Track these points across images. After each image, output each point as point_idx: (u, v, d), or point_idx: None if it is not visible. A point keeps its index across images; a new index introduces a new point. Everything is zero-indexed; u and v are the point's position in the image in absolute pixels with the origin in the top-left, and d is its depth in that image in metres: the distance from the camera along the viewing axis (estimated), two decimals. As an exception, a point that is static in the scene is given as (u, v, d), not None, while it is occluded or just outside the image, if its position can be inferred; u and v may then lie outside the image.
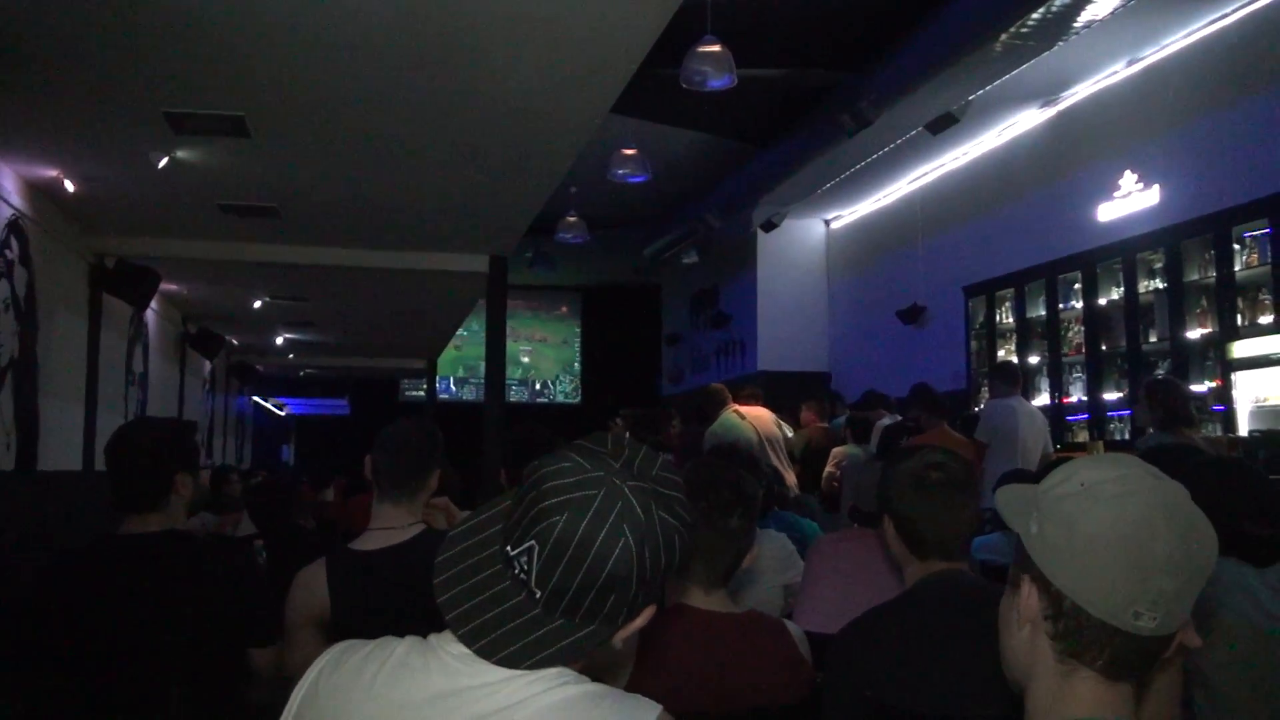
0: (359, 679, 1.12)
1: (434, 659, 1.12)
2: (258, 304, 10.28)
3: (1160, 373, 6.78)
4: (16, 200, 6.00)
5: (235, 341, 13.29)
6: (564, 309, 19.14)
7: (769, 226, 11.38)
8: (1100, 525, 1.08)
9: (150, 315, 9.55)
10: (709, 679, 1.93)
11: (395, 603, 2.40)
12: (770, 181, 9.99)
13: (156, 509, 2.50)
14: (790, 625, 2.11)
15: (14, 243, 6.03)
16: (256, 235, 7.45)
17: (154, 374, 9.84)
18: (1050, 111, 8.59)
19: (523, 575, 1.08)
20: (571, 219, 11.45)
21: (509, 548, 1.10)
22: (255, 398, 17.78)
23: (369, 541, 2.59)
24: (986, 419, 6.40)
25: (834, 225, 12.54)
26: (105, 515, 2.72)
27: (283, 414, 19.24)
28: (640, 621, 1.15)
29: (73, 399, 7.24)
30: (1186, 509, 1.09)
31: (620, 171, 9.51)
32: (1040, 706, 1.14)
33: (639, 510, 1.08)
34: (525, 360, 18.90)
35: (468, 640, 1.09)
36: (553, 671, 1.10)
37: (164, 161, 5.51)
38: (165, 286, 8.45)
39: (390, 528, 2.58)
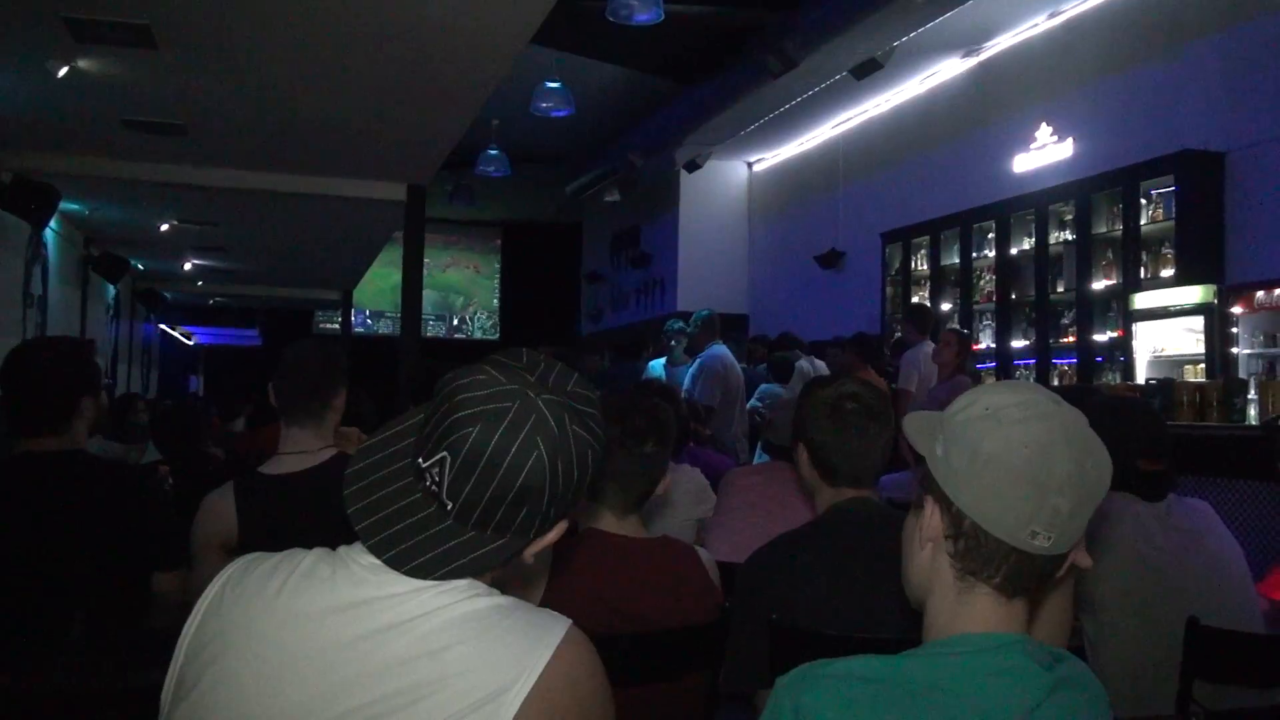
0: (264, 589, 1.11)
1: (342, 569, 1.11)
2: (165, 227, 9.94)
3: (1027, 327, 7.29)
4: (-96, 108, 5.69)
5: (141, 266, 12.85)
6: (484, 243, 18.93)
7: (692, 167, 11.37)
8: (1001, 447, 1.12)
9: (50, 235, 9.17)
10: (619, 601, 1.96)
11: (305, 526, 2.36)
12: (694, 121, 9.95)
13: (57, 431, 2.43)
14: (700, 550, 2.15)
15: (-99, 153, 5.73)
16: (163, 154, 7.18)
17: (54, 297, 9.48)
18: (971, 62, 8.70)
19: (434, 487, 1.08)
20: (493, 152, 11.28)
21: (420, 460, 1.10)
22: (162, 325, 17.28)
23: (278, 465, 2.55)
24: (908, 367, 6.52)
25: (756, 168, 12.57)
26: (2, 439, 2.63)
27: (191, 343, 18.76)
28: (553, 536, 1.15)
29: (-34, 320, 6.96)
30: (1084, 433, 1.14)
31: (544, 105, 9.38)
32: (938, 622, 1.18)
33: (552, 423, 1.08)
34: (450, 278, 18.71)
35: (378, 550, 1.08)
36: (463, 584, 1.10)
37: (64, 71, 5.26)
38: (66, 206, 8.11)
39: (301, 451, 2.54)
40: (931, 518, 1.17)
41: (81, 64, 5.28)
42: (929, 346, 6.57)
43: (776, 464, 3.15)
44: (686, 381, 6.96)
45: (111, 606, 2.39)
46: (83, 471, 2.43)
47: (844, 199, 10.57)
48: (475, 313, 19.20)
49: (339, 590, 1.09)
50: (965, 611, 1.15)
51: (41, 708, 2.24)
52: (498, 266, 19.13)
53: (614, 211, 13.92)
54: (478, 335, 19.18)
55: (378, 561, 1.09)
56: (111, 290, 12.50)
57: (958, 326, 7.14)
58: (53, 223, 8.43)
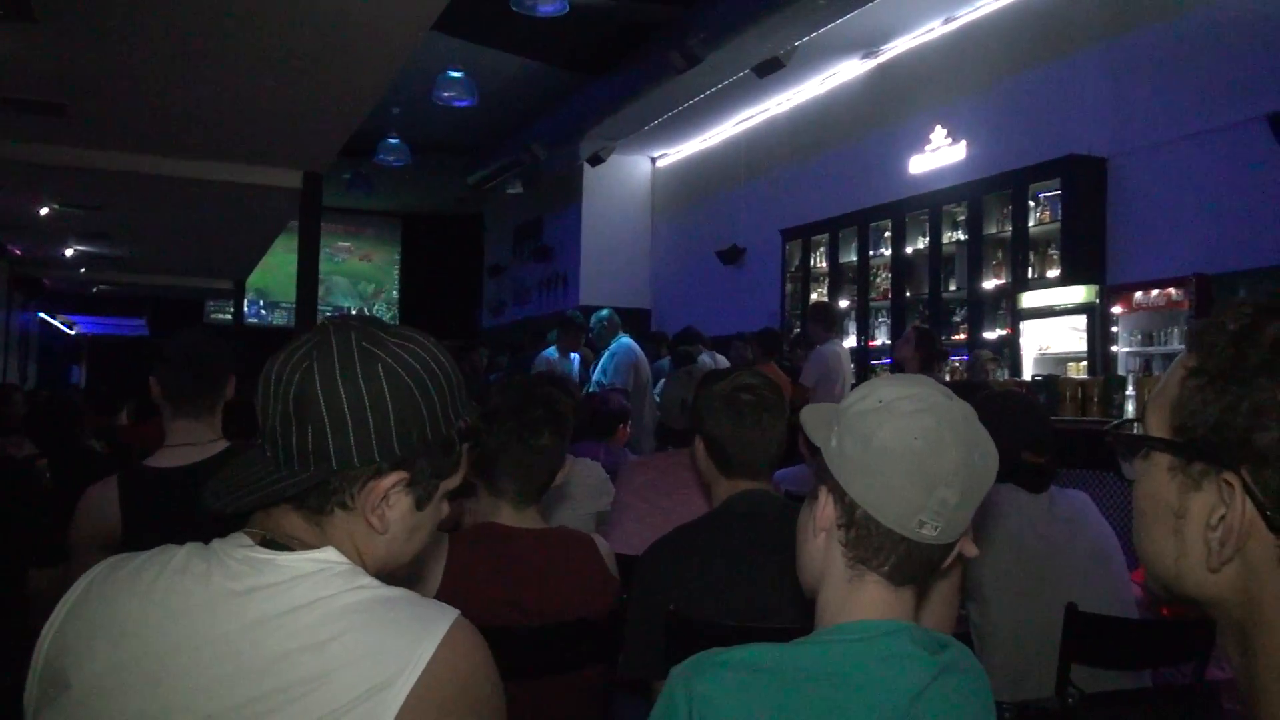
0: (134, 586, 1.06)
1: (216, 563, 1.06)
2: (44, 211, 9.51)
3: (922, 322, 7.42)
4: None
5: (18, 251, 12.29)
6: (383, 233, 18.66)
7: (595, 161, 11.37)
8: (893, 438, 1.14)
9: (-83, 217, 8.71)
10: (516, 593, 1.94)
11: (192, 524, 2.30)
12: (598, 114, 9.96)
13: (-80, 419, 2.31)
14: (599, 540, 2.15)
15: None
16: (41, 134, 6.85)
17: (-78, 282, 9.02)
18: (871, 63, 8.88)
19: (263, 444, 1.10)
20: (392, 141, 11.10)
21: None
22: (41, 314, 16.57)
23: (166, 458, 2.46)
24: (815, 365, 6.61)
25: (660, 163, 12.63)
26: None
27: (73, 332, 18.03)
28: (388, 483, 1.11)
29: None
30: (972, 426, 1.17)
31: (446, 95, 9.28)
32: (829, 610, 1.20)
33: (333, 339, 1.09)
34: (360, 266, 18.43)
35: (210, 503, 1.08)
36: (345, 571, 1.07)
37: (-66, 44, 5.00)
38: (-65, 186, 7.72)
39: (189, 444, 2.46)
40: (825, 507, 1.19)
41: (-48, 36, 5.02)
42: (837, 344, 6.70)
43: (672, 453, 3.17)
44: (596, 372, 7.05)
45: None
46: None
47: (746, 196, 10.70)
48: (376, 304, 18.90)
49: (214, 583, 1.05)
50: (855, 599, 1.17)
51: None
52: (398, 257, 18.84)
53: (517, 204, 13.84)
54: (375, 327, 18.86)
55: (251, 553, 1.06)
56: (-14, 276, 11.95)
57: (923, 325, 7.20)
58: (-79, 203, 8.01)
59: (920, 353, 5.90)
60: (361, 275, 18.64)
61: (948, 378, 7.36)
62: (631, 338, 7.45)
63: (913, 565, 1.16)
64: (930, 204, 7.77)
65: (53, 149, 7.11)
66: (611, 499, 3.39)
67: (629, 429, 4.56)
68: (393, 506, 1.13)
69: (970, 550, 1.21)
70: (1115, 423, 4.36)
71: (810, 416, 1.26)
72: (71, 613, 1.08)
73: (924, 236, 7.92)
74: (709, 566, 1.95)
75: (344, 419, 1.06)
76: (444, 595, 1.87)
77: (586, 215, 12.54)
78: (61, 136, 6.90)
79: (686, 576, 1.95)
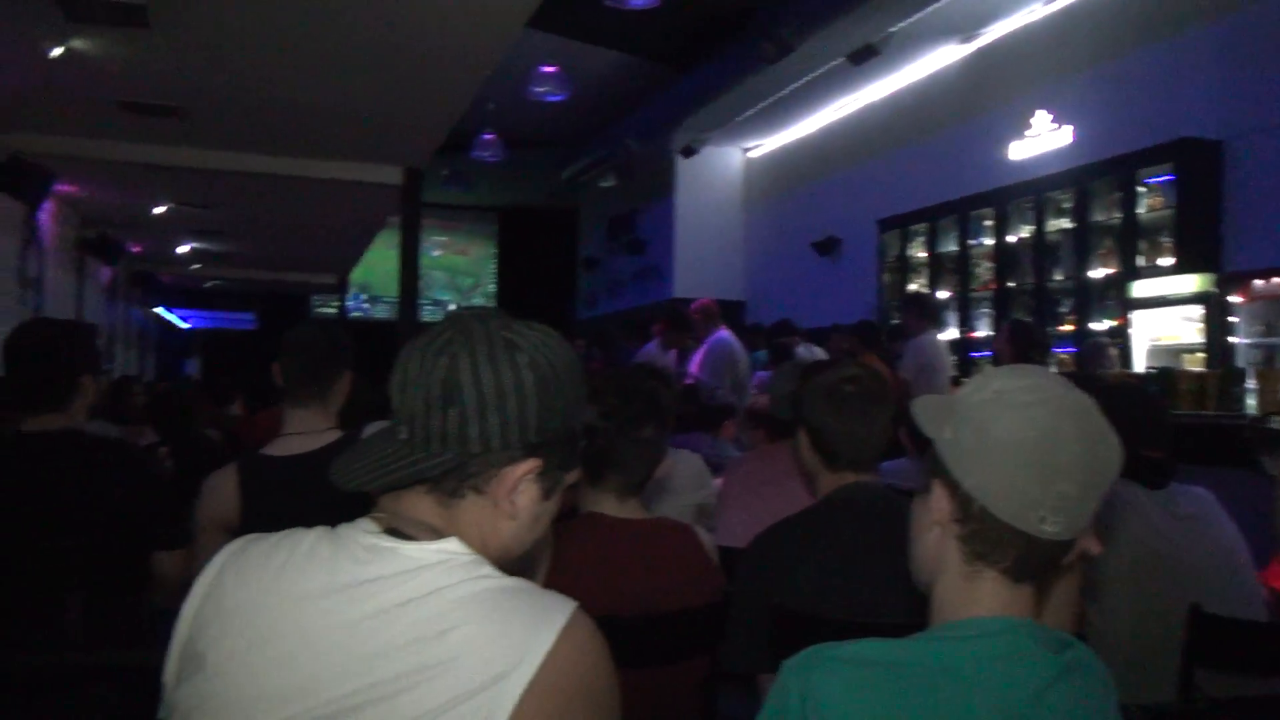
0: (265, 568, 1.10)
1: (343, 549, 1.10)
2: (160, 210, 9.90)
3: (1024, 314, 7.25)
4: (-103, 87, 5.65)
5: (136, 249, 12.81)
6: (480, 228, 18.94)
7: (688, 152, 11.35)
8: (1010, 430, 1.11)
9: (44, 217, 9.13)
10: (619, 583, 1.95)
11: (306, 509, 2.36)
12: (690, 106, 9.94)
13: (58, 409, 2.43)
14: (700, 531, 2.15)
15: (-104, 132, 5.70)
16: (158, 136, 7.14)
17: (49, 279, 9.44)
18: (969, 48, 8.68)
19: (398, 427, 1.13)
20: (488, 136, 11.25)
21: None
22: (158, 309, 17.24)
23: (281, 447, 2.54)
24: (913, 356, 6.51)
25: (752, 154, 12.55)
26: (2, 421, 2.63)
27: (186, 327, 18.72)
28: (524, 469, 1.13)
29: (-40, 301, 6.93)
30: (1094, 418, 1.14)
31: (539, 89, 9.37)
32: (946, 606, 1.18)
33: (475, 327, 1.12)
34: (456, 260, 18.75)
35: (342, 481, 1.12)
36: (467, 561, 1.09)
37: (58, 51, 5.22)
38: (61, 188, 8.08)
39: (303, 433, 2.54)
40: (939, 501, 1.17)
41: (76, 44, 5.25)
42: (935, 336, 6.57)
43: (777, 447, 3.14)
44: (693, 368, 7.01)
45: (111, 585, 2.39)
46: (84, 450, 2.43)
47: (841, 186, 10.56)
48: (473, 298, 19.19)
49: (340, 570, 1.08)
50: (973, 595, 1.15)
51: (40, 684, 2.24)
52: (494, 251, 19.10)
53: (610, 197, 13.90)
54: (473, 320, 19.15)
55: (377, 541, 1.09)
56: (107, 273, 12.46)
57: (1022, 318, 7.08)
58: (48, 204, 8.39)
59: (1013, 346, 5.77)
60: (459, 269, 18.95)
61: (1054, 370, 7.19)
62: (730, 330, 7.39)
63: (1033, 562, 1.13)
64: (1034, 191, 7.56)
65: (169, 150, 7.39)
66: (713, 491, 3.40)
67: (734, 425, 4.54)
68: (522, 494, 1.15)
69: (1094, 547, 1.18)
70: (1254, 417, 4.22)
71: (923, 408, 1.24)
72: (208, 593, 1.12)
73: (1027, 225, 7.72)
74: (813, 560, 1.94)
75: (487, 404, 1.10)
76: (549, 583, 1.89)
77: (680, 207, 12.52)
78: (177, 138, 7.17)
79: (790, 569, 1.94)
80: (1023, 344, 5.69)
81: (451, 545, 1.10)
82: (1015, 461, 1.11)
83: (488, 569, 1.10)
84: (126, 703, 2.26)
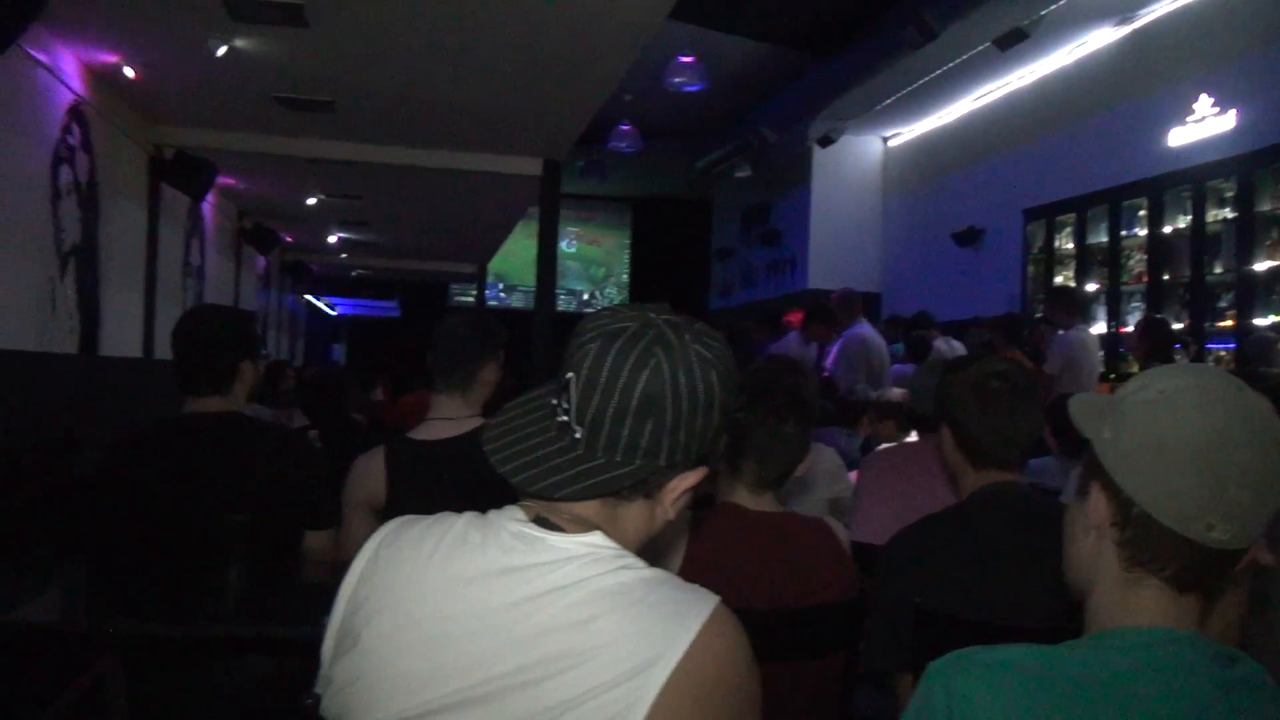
0: (418, 551, 1.14)
1: (492, 536, 1.12)
2: (312, 201, 10.31)
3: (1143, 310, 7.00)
4: (77, 85, 6.02)
5: (289, 239, 13.37)
6: (614, 218, 19.10)
7: (825, 142, 11.18)
8: (1177, 432, 1.06)
9: (206, 208, 9.63)
10: (756, 576, 1.95)
11: (451, 493, 2.44)
12: (829, 95, 9.78)
13: (220, 392, 2.56)
14: (835, 526, 2.12)
15: (75, 128, 6.07)
16: (312, 130, 7.44)
17: (210, 267, 9.96)
18: (1125, 30, 8.28)
19: (564, 417, 1.11)
20: (625, 127, 11.32)
21: (553, 400, 1.14)
22: (308, 296, 17.95)
23: (427, 431, 2.63)
24: (1058, 351, 6.28)
25: (892, 143, 12.28)
26: (165, 402, 2.78)
27: (334, 313, 19.43)
28: (694, 478, 1.16)
29: (132, 287, 7.36)
30: (1269, 421, 1.07)
31: (676, 80, 9.37)
32: (1102, 614, 1.13)
33: (671, 336, 1.10)
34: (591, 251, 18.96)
35: (512, 474, 1.11)
36: (612, 554, 1.11)
37: (222, 50, 5.49)
38: (221, 180, 8.49)
39: (447, 418, 2.62)
40: (1097, 504, 1.12)
41: (239, 43, 5.50)
42: (1082, 331, 6.32)
43: (915, 444, 3.09)
44: (829, 361, 6.91)
45: (265, 563, 2.51)
46: (243, 432, 2.55)
47: (984, 175, 10.24)
48: (606, 288, 19.40)
49: (490, 556, 1.10)
50: (1132, 604, 1.10)
51: (201, 652, 2.37)
52: (627, 241, 19.24)
53: (745, 187, 13.81)
54: (607, 310, 19.34)
55: (524, 530, 1.12)
56: (262, 261, 13.06)
57: (1157, 314, 6.80)
58: (210, 196, 8.84)
59: (1146, 342, 5.56)
60: (593, 260, 19.16)
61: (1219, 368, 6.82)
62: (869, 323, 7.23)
63: (1198, 571, 1.08)
64: (1193, 179, 7.18)
65: (321, 143, 7.69)
66: (848, 486, 3.36)
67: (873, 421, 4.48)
68: (681, 497, 1.18)
69: (1266, 558, 1.11)
70: None
71: (1081, 407, 1.19)
72: (364, 574, 1.17)
73: (1185, 215, 7.33)
74: (955, 560, 1.90)
75: (681, 421, 1.09)
76: (683, 573, 1.90)
77: (816, 197, 12.36)
78: (329, 131, 7.45)
79: (932, 569, 1.90)
80: (1157, 340, 5.51)
81: (596, 538, 1.12)
82: (1182, 465, 1.05)
83: (631, 559, 1.11)
84: (280, 672, 2.38)
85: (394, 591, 1.13)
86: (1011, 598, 1.83)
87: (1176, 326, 7.22)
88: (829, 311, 7.26)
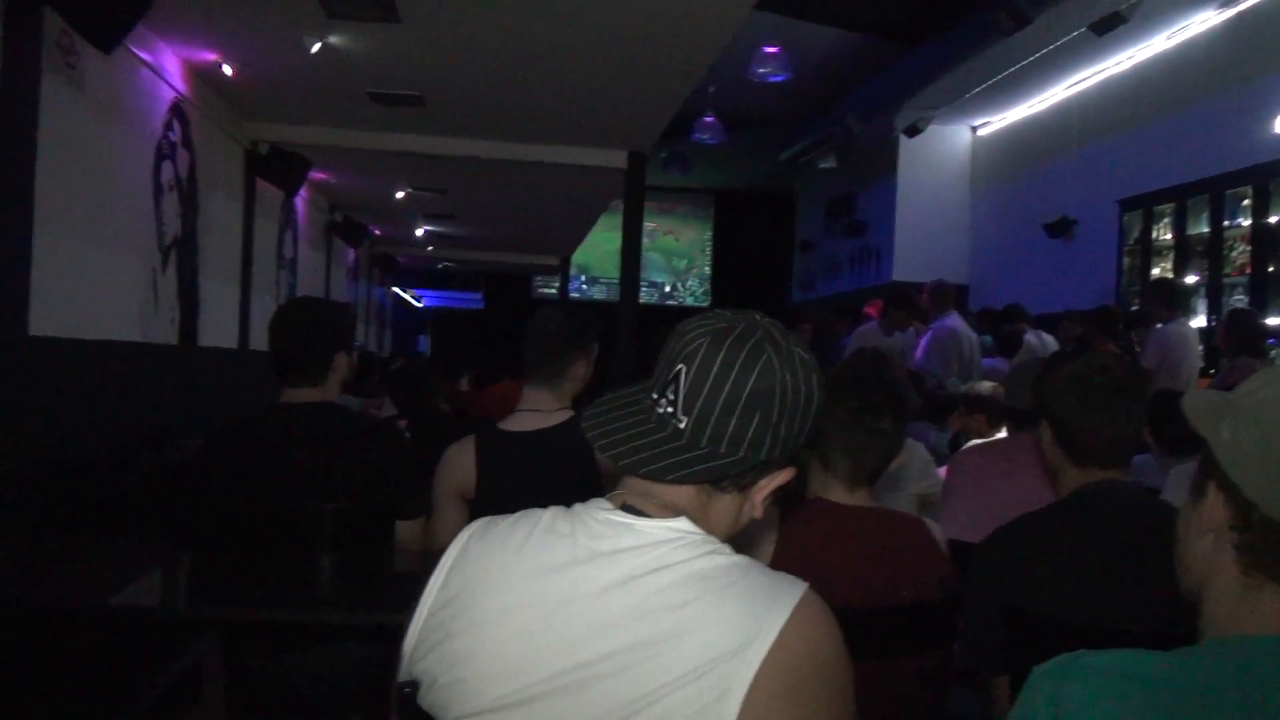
0: (507, 544, 1.15)
1: (580, 525, 1.14)
2: (400, 194, 10.49)
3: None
4: (178, 83, 6.21)
5: (378, 232, 13.63)
6: (696, 210, 19.07)
7: (912, 132, 10.99)
8: (1303, 433, 1.01)
9: (299, 202, 9.86)
10: (849, 572, 1.92)
11: (540, 483, 2.47)
12: (916, 83, 9.61)
13: (315, 383, 2.61)
14: (930, 524, 2.08)
15: (176, 125, 6.27)
16: (401, 125, 7.57)
17: (302, 259, 10.20)
18: (1227, 13, 7.97)
19: (668, 409, 1.12)
20: (708, 119, 11.28)
21: (654, 394, 1.15)
22: (395, 288, 18.26)
23: (516, 422, 2.65)
24: (1157, 346, 6.09)
25: (981, 132, 12.02)
26: (260, 391, 2.86)
27: (420, 305, 19.74)
28: (783, 477, 1.18)
29: (229, 279, 7.58)
30: (1402, 421, 1.02)
31: (761, 70, 9.29)
32: (1217, 621, 1.09)
33: (780, 339, 1.14)
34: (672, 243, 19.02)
35: (618, 458, 1.13)
36: (698, 539, 1.11)
37: (317, 46, 5.61)
38: (313, 175, 8.69)
39: (537, 410, 2.64)
40: (1214, 506, 1.08)
41: (332, 39, 5.61)
42: (1183, 324, 6.11)
43: (1008, 440, 3.02)
44: (919, 354, 6.80)
45: (358, 550, 2.56)
46: (337, 422, 2.60)
47: (1078, 164, 9.96)
48: (689, 280, 19.38)
49: (579, 544, 1.12)
50: (1252, 610, 1.05)
51: (295, 640, 2.43)
52: (709, 233, 19.18)
53: (829, 178, 13.66)
54: (689, 302, 19.34)
55: (612, 516, 1.13)
56: (351, 254, 13.33)
57: (1242, 305, 6.59)
58: (302, 190, 9.05)
59: (1233, 337, 5.36)
60: (675, 252, 19.16)
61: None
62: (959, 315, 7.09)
63: None
64: (1302, 167, 6.90)
65: (410, 138, 7.82)
66: (937, 482, 3.30)
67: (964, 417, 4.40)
68: (770, 495, 1.20)
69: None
70: None
71: (1196, 405, 1.14)
72: (453, 567, 1.18)
73: (1292, 204, 7.05)
74: (1055, 559, 1.85)
75: (784, 416, 1.13)
76: (775, 567, 1.89)
77: (902, 188, 12.16)
78: (417, 126, 7.57)
79: (1030, 568, 1.85)
80: (1245, 334, 5.36)
81: (683, 524, 1.13)
82: None
83: (719, 545, 1.12)
84: (371, 658, 2.43)
85: (486, 583, 1.14)
86: (1114, 600, 1.77)
87: (1274, 321, 6.97)
88: (908, 298, 7.19)
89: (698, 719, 1.00)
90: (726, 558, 1.10)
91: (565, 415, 2.63)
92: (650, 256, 18.47)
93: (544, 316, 2.71)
